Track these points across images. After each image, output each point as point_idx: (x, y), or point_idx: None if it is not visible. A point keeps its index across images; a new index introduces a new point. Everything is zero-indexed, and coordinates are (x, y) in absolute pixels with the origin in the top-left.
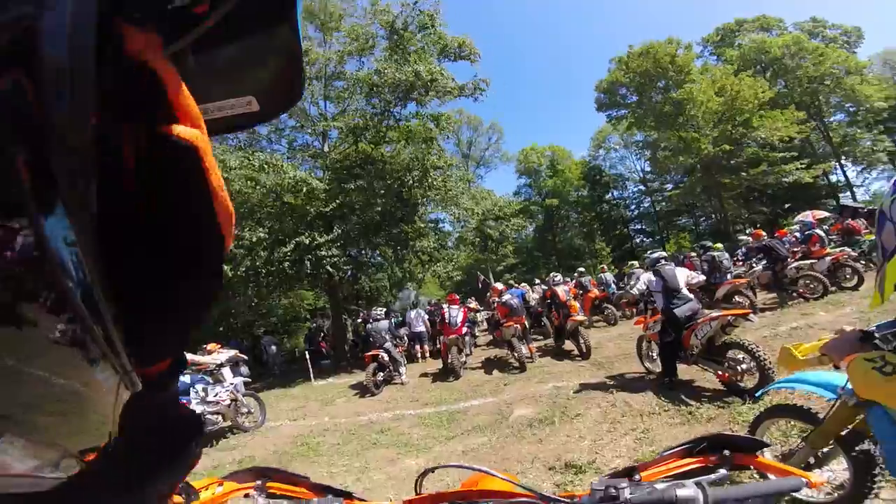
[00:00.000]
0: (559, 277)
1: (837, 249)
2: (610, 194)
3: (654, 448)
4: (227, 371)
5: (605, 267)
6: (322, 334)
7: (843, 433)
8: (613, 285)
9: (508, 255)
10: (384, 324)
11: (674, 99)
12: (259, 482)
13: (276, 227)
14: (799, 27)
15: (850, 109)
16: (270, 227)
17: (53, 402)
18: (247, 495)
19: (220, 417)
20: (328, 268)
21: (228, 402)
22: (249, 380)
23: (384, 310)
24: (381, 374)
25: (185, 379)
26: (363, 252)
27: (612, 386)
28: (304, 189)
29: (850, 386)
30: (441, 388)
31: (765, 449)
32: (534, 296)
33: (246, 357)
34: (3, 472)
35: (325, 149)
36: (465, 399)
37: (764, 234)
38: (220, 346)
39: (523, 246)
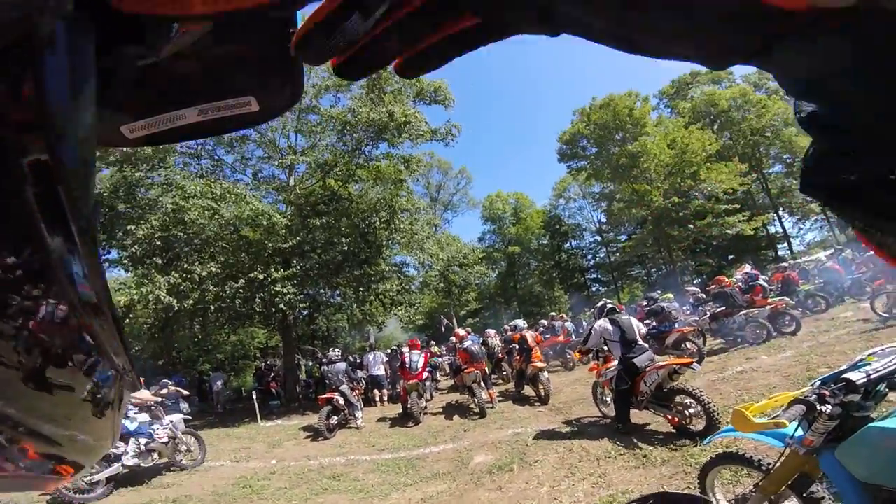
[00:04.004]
0: (523, 323)
1: (777, 298)
2: (568, 243)
3: (611, 492)
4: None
5: (564, 315)
6: (272, 374)
7: (794, 478)
8: (573, 334)
9: (471, 300)
10: (341, 366)
11: (629, 151)
12: None
13: (231, 262)
14: (745, 79)
15: (788, 161)
16: (224, 262)
17: (54, 402)
18: None
19: (155, 455)
20: (281, 306)
21: (166, 439)
22: (189, 417)
23: (341, 351)
24: (336, 417)
25: (129, 425)
26: (322, 291)
27: (569, 431)
28: (265, 223)
29: (797, 435)
30: (400, 433)
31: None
32: (496, 342)
33: (188, 393)
34: (3, 472)
35: (291, 182)
36: (424, 445)
37: (725, 279)
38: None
39: (486, 292)
